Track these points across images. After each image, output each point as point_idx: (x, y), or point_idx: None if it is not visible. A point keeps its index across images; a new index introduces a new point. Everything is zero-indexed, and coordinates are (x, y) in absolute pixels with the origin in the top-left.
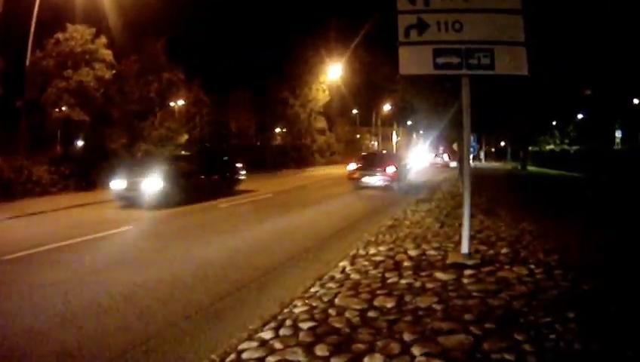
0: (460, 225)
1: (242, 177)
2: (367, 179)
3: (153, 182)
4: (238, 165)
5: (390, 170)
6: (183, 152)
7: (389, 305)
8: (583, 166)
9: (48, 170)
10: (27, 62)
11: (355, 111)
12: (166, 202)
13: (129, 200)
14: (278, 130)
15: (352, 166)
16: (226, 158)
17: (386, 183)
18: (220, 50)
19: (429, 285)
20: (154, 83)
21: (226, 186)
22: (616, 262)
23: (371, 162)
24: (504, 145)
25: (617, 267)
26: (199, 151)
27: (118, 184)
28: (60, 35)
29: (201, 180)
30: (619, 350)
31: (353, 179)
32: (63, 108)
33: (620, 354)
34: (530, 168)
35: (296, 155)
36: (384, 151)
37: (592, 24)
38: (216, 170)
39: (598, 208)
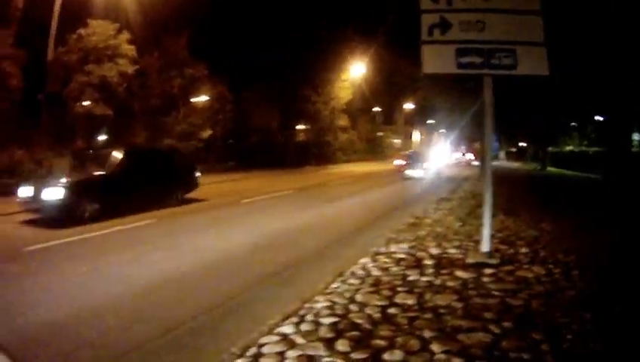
0: (481, 224)
1: (195, 183)
2: (411, 172)
3: (53, 191)
4: (194, 168)
5: (427, 165)
6: (114, 152)
7: (410, 302)
8: (601, 167)
9: (69, 163)
10: (49, 57)
11: (376, 109)
12: (72, 217)
13: (37, 212)
14: (300, 127)
15: (399, 162)
16: (170, 160)
17: (424, 176)
18: (242, 46)
19: (450, 283)
20: (177, 78)
21: (168, 195)
22: (634, 263)
23: (413, 159)
24: (524, 146)
25: (636, 268)
26: (128, 152)
27: (25, 191)
28: (82, 31)
29: (127, 188)
30: (635, 350)
31: (400, 172)
32: (86, 103)
33: (636, 354)
34: (550, 169)
35: (318, 153)
36: (419, 151)
37: (609, 25)
38: (154, 174)
39: (616, 209)
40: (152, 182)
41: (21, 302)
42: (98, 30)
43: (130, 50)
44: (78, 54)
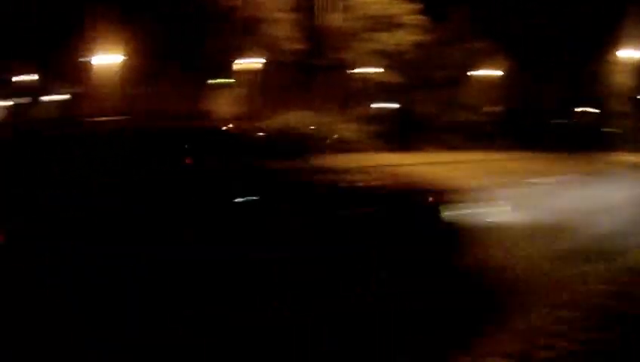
0: None
1: None
2: None
3: None
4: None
5: None
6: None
7: None
8: None
9: (355, 128)
10: (332, 23)
11: None
12: None
13: None
14: (583, 109)
15: None
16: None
17: None
18: (530, 24)
19: None
20: (463, 51)
21: None
22: None
23: None
24: None
25: None
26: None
27: None
28: None
29: None
30: None
31: None
32: (371, 70)
33: None
34: None
35: (603, 138)
36: None
37: None
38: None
39: None
40: None
41: None
42: None
43: (414, 19)
44: (361, 22)
